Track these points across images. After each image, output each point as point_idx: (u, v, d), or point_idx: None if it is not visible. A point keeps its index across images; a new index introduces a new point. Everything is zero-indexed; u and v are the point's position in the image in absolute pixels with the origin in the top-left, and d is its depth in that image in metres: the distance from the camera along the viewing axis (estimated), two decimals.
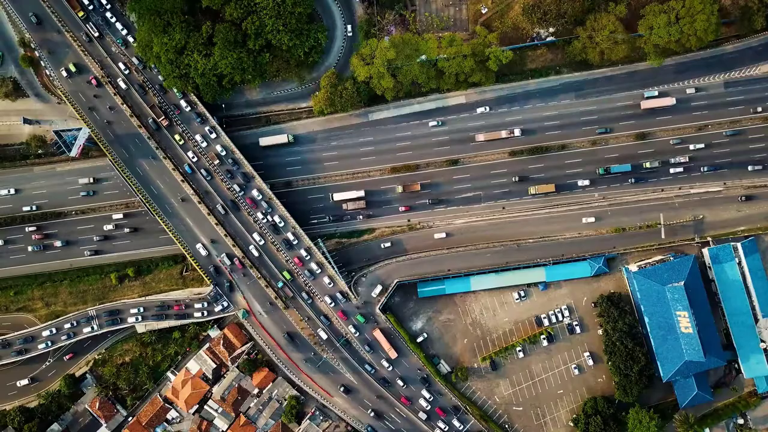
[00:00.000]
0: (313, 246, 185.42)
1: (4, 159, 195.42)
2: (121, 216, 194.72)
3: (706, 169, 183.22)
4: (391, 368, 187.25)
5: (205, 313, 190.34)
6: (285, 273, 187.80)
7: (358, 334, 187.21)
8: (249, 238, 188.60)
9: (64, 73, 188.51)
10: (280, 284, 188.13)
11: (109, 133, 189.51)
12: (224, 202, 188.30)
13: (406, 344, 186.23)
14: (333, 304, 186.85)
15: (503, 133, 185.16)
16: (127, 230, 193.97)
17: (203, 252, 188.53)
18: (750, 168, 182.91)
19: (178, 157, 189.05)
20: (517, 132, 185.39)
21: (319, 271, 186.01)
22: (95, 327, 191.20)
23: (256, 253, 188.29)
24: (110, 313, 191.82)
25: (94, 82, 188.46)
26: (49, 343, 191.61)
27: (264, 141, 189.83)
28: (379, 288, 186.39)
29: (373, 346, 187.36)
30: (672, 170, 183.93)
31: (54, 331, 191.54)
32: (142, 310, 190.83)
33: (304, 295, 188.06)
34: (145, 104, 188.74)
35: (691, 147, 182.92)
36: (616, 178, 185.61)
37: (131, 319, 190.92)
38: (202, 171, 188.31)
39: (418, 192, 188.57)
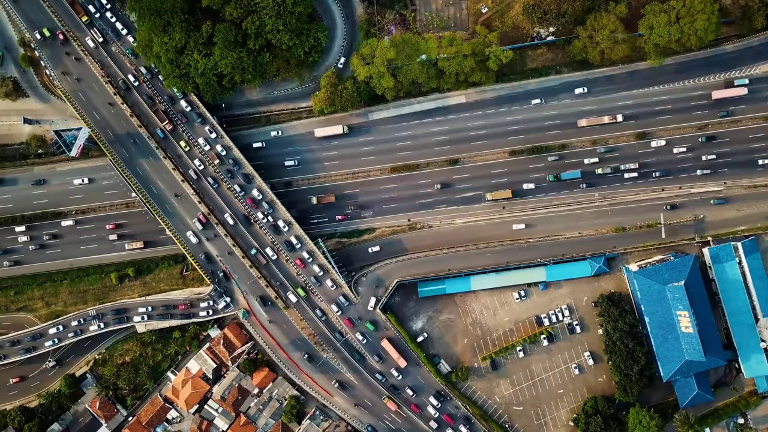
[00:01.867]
0: (316, 249, 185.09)
1: (4, 159, 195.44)
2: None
3: (658, 174, 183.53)
4: (400, 377, 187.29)
5: (211, 312, 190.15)
6: (299, 289, 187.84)
7: (365, 341, 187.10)
8: (261, 252, 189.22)
9: (38, 36, 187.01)
10: (253, 251, 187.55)
11: (109, 133, 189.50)
12: (235, 215, 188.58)
13: (407, 344, 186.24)
14: (339, 312, 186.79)
15: (606, 119, 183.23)
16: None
17: (193, 239, 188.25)
18: (699, 172, 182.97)
19: (178, 158, 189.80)
20: (619, 117, 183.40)
21: (322, 273, 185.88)
22: (102, 325, 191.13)
23: (264, 261, 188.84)
24: (117, 311, 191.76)
25: (60, 36, 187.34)
26: (56, 341, 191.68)
27: (319, 132, 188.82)
28: (373, 300, 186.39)
29: (382, 355, 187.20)
30: (627, 175, 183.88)
31: (61, 328, 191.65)
32: (150, 309, 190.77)
33: (318, 312, 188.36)
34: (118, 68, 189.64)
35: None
36: (569, 183, 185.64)
37: (137, 318, 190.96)
38: (209, 179, 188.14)
39: (334, 203, 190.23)
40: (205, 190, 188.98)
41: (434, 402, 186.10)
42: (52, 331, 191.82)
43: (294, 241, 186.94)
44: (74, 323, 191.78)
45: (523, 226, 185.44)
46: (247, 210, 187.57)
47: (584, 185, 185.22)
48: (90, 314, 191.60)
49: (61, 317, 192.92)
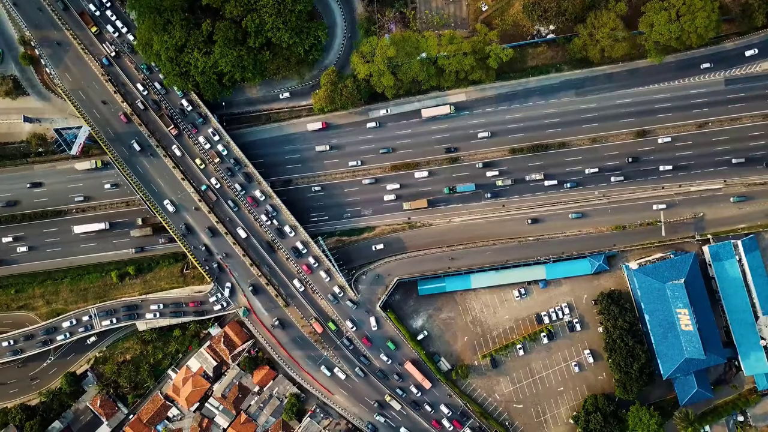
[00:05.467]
0: (321, 254, 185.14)
1: (4, 157, 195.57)
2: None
3: (569, 185, 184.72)
4: (420, 393, 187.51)
5: (225, 304, 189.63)
6: (330, 324, 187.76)
7: (390, 362, 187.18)
8: (288, 282, 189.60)
9: None
10: (204, 187, 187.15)
11: (110, 132, 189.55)
12: (260, 243, 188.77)
13: (407, 341, 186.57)
14: (355, 329, 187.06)
15: None
16: None
17: (171, 208, 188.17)
18: (612, 179, 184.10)
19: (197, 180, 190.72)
20: None
21: (328, 279, 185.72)
22: (114, 320, 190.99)
23: (300, 289, 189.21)
24: (128, 308, 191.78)
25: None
26: (68, 335, 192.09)
27: (426, 112, 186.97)
28: (373, 320, 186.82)
29: (403, 375, 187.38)
30: (547, 183, 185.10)
31: (74, 321, 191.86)
32: (161, 306, 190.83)
33: (345, 341, 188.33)
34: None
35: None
36: (472, 194, 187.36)
37: (150, 315, 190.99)
38: (229, 202, 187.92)
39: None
40: (227, 214, 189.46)
41: (446, 411, 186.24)
42: (66, 324, 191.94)
43: (300, 246, 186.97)
44: (85, 318, 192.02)
45: (381, 246, 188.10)
46: (270, 236, 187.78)
47: (488, 195, 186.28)
48: (94, 312, 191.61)
49: (63, 315, 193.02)
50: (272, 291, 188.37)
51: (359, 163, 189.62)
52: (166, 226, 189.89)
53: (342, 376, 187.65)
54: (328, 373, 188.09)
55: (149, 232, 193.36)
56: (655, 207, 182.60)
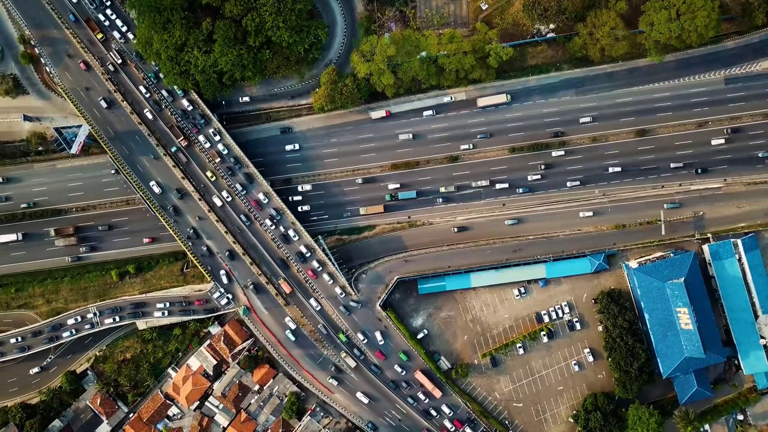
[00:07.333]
0: (326, 258, 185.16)
1: (4, 156, 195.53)
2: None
3: (521, 190, 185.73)
4: (427, 401, 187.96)
5: (230, 297, 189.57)
6: (341, 335, 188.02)
7: (404, 372, 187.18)
8: (306, 304, 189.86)
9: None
10: (174, 149, 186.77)
11: (110, 130, 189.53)
12: (273, 260, 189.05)
13: (407, 341, 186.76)
14: (365, 341, 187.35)
15: None
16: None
17: (157, 190, 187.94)
18: (569, 183, 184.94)
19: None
20: None
21: (331, 282, 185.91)
22: (117, 318, 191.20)
23: (317, 308, 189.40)
24: (135, 305, 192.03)
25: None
26: (74, 332, 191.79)
27: (482, 101, 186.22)
28: (378, 334, 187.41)
29: (412, 383, 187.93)
30: (498, 186, 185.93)
31: (79, 318, 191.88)
32: (167, 304, 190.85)
33: (356, 351, 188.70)
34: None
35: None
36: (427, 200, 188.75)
37: (157, 313, 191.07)
38: (242, 216, 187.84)
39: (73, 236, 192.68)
40: (238, 227, 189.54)
41: (447, 411, 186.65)
42: (71, 321, 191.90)
43: (304, 250, 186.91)
44: (89, 315, 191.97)
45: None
46: (284, 253, 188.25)
47: (440, 200, 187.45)
48: (95, 310, 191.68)
49: (64, 314, 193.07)
50: (272, 289, 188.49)
51: (471, 146, 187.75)
52: (167, 225, 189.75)
53: (293, 326, 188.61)
54: (293, 338, 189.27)
55: (74, 241, 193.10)
56: (582, 214, 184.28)
